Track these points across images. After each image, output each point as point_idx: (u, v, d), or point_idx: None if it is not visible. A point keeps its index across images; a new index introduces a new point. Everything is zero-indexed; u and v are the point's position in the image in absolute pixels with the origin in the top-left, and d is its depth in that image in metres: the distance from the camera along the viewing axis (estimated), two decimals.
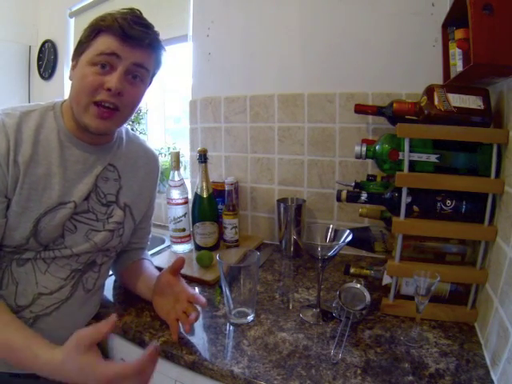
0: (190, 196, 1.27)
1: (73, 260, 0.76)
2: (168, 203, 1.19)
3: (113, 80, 0.68)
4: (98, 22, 0.70)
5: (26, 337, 0.62)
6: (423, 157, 0.79)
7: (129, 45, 0.69)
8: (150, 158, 0.92)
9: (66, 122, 0.74)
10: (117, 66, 0.69)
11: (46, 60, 2.01)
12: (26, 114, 0.71)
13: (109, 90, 0.68)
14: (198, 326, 0.82)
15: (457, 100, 0.77)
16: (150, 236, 1.03)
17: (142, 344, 0.78)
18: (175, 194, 1.17)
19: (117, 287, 0.99)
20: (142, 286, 0.87)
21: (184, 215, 1.19)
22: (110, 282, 0.99)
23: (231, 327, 0.81)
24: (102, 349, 0.94)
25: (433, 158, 0.79)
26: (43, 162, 0.70)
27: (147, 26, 0.71)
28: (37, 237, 0.70)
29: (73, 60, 0.74)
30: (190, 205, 1.22)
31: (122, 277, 0.94)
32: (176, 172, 1.18)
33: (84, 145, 0.76)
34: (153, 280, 0.85)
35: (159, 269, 0.92)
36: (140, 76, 0.73)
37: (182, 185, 1.18)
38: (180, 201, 1.18)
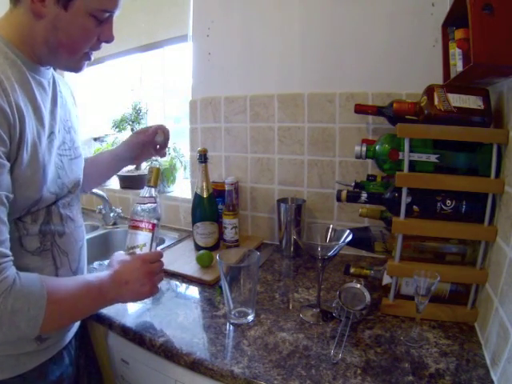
0: (190, 196, 1.27)
1: (76, 201, 0.81)
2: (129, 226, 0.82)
3: (111, 34, 0.68)
4: None
5: (85, 279, 0.70)
6: (423, 157, 0.79)
7: None
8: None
9: (20, 48, 0.64)
10: (110, 17, 0.67)
11: None
12: None
13: (107, 42, 0.68)
14: (198, 325, 0.82)
15: (457, 100, 0.77)
16: None
17: (142, 344, 0.78)
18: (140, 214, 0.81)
19: None
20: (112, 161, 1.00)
21: (144, 245, 0.80)
22: None
23: (231, 327, 0.81)
24: (103, 349, 0.95)
25: (433, 157, 0.79)
26: (25, 94, 0.63)
27: None
28: (45, 180, 0.66)
29: None
30: (190, 205, 1.22)
31: (91, 178, 0.96)
32: (152, 189, 0.83)
33: (42, 71, 0.69)
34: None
35: None
36: None
37: (153, 204, 0.82)
38: (143, 225, 0.80)
